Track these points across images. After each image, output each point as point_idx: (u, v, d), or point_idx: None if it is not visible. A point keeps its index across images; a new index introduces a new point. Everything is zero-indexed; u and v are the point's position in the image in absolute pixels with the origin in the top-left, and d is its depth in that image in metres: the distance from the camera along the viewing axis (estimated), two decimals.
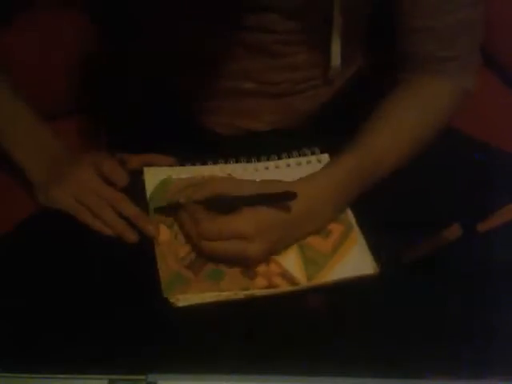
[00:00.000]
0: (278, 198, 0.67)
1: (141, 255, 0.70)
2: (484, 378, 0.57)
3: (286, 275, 0.69)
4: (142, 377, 0.51)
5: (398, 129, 0.78)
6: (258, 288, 0.68)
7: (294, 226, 0.70)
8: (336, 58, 0.81)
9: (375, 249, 0.73)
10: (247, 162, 0.79)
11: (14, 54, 0.89)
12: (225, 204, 0.68)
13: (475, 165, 0.82)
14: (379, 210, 0.74)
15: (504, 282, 0.70)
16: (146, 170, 0.77)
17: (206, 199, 0.69)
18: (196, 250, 0.69)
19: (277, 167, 0.79)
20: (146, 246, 0.71)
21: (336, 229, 0.73)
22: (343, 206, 0.74)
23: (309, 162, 0.79)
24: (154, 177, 0.76)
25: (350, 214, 0.75)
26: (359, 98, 0.87)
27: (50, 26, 0.92)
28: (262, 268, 0.69)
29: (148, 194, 0.75)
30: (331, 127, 0.83)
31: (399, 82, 0.82)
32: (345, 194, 0.73)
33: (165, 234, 0.71)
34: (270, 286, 0.68)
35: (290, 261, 0.70)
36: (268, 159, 0.79)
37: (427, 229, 0.73)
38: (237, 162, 0.78)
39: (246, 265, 0.69)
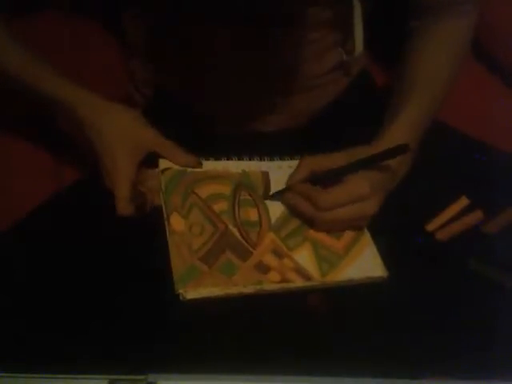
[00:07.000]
0: (394, 153, 0.70)
1: (143, 255, 0.70)
2: (484, 378, 0.57)
3: (299, 270, 0.69)
4: (142, 377, 0.51)
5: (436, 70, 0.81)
6: (271, 282, 0.68)
7: (394, 174, 0.74)
8: (360, 43, 0.84)
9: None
10: (260, 160, 0.79)
11: None
12: (331, 176, 0.71)
13: (474, 165, 0.82)
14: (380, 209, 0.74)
15: (505, 282, 0.70)
16: (160, 161, 0.76)
17: (312, 175, 0.72)
18: (314, 225, 0.71)
19: (290, 167, 0.77)
20: (148, 246, 0.71)
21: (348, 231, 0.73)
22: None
23: None
24: (169, 168, 0.76)
25: None
26: (362, 97, 0.87)
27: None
28: (275, 262, 0.69)
29: (162, 185, 0.74)
30: (338, 126, 0.84)
31: (413, 31, 0.83)
32: (418, 135, 0.78)
33: (179, 225, 0.70)
34: (283, 281, 0.68)
35: (304, 257, 0.70)
36: (280, 159, 0.79)
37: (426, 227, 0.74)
38: (250, 159, 0.79)
39: (363, 225, 0.72)
